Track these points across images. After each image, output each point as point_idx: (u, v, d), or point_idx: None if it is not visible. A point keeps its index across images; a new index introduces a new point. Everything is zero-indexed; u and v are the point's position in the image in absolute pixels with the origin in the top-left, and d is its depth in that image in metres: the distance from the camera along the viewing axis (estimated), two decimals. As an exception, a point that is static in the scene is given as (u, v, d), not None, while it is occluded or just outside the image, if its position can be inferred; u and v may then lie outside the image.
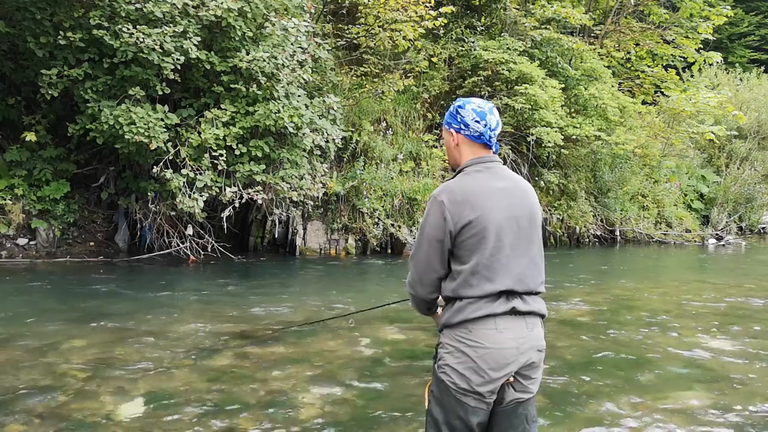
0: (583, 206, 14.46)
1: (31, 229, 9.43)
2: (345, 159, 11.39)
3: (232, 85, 8.93)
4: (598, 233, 15.12)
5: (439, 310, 2.42)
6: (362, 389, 4.23)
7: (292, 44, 9.31)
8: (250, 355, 4.89)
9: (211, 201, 9.40)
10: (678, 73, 18.66)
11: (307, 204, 10.14)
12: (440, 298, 2.38)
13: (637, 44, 17.56)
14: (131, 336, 5.36)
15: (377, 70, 12.06)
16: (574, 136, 13.15)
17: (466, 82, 13.34)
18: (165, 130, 8.59)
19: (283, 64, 8.97)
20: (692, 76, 20.43)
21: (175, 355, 4.86)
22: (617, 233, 15.59)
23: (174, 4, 8.31)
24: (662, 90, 18.08)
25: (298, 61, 9.37)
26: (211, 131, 8.74)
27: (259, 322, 6.06)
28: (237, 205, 9.28)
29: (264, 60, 8.71)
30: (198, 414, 3.71)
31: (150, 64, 8.31)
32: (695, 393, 4.36)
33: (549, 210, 13.89)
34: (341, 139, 10.22)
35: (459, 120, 2.31)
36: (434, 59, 13.18)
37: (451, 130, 2.35)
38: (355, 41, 11.81)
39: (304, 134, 9.21)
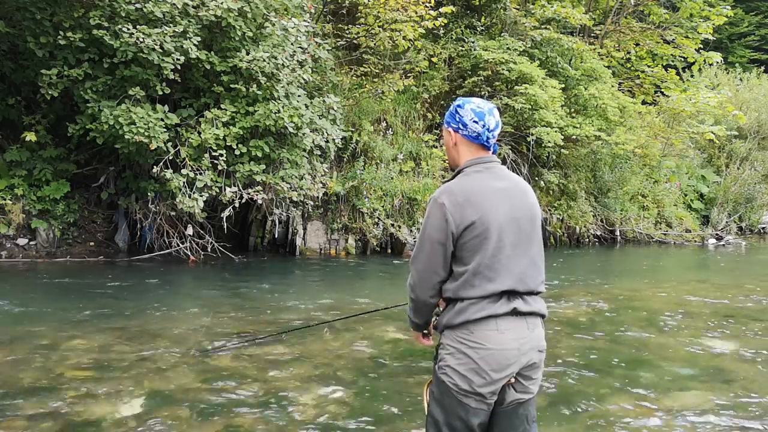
0: (583, 206, 14.46)
1: (31, 229, 9.43)
2: (345, 159, 11.39)
3: (232, 85, 8.93)
4: (598, 233, 15.12)
5: (430, 328, 2.42)
6: (362, 389, 4.23)
7: (292, 44, 9.31)
8: (250, 355, 4.89)
9: (211, 201, 9.40)
10: (678, 73, 18.65)
11: (307, 204, 10.14)
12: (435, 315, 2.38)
13: (637, 44, 17.55)
14: (131, 336, 5.36)
15: (377, 70, 12.05)
16: (574, 136, 13.15)
17: (466, 82, 13.34)
18: (165, 130, 8.59)
19: (283, 64, 8.97)
20: (692, 76, 20.42)
21: (175, 355, 4.85)
22: (617, 233, 15.59)
23: (174, 4, 8.31)
24: (662, 90, 18.07)
25: (298, 61, 9.37)
26: (211, 131, 8.74)
27: (259, 322, 6.05)
28: (237, 205, 9.28)
29: (264, 60, 8.71)
30: (198, 414, 3.71)
31: (150, 64, 8.31)
32: (695, 393, 4.36)
33: (549, 210, 13.89)
34: (341, 139, 10.22)
35: (457, 119, 2.31)
36: (434, 59, 13.17)
37: (450, 129, 2.35)
38: (355, 41, 11.80)
39: (304, 134, 9.21)
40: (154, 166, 8.76)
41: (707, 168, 20.10)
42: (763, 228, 19.88)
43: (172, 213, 9.48)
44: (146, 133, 8.33)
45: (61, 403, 3.82)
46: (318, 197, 10.30)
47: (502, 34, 13.84)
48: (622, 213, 15.71)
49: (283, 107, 8.90)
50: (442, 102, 13.46)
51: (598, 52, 15.81)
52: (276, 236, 11.05)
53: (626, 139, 13.78)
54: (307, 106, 9.39)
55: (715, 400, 4.21)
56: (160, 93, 8.64)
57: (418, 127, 12.91)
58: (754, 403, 4.17)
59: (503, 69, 12.78)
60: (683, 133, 17.47)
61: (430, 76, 13.28)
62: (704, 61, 17.46)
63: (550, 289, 8.08)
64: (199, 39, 8.59)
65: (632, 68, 18.29)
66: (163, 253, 9.72)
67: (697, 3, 16.58)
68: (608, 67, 15.73)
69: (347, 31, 11.67)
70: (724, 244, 16.20)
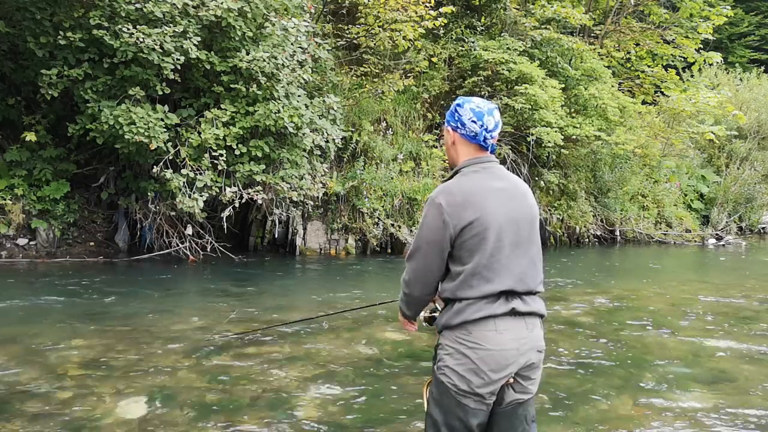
0: (583, 206, 14.46)
1: (31, 229, 9.43)
2: (345, 159, 11.39)
3: (232, 85, 8.93)
4: (598, 233, 15.12)
5: (422, 315, 2.44)
6: (362, 389, 4.23)
7: (292, 44, 9.31)
8: (250, 355, 4.89)
9: (211, 201, 9.40)
10: (678, 73, 18.65)
11: (307, 204, 10.14)
12: (434, 305, 2.39)
13: (637, 44, 17.55)
14: (131, 336, 5.36)
15: (377, 70, 12.05)
16: (574, 136, 13.14)
17: (466, 82, 13.34)
18: (165, 130, 8.59)
19: (283, 64, 8.96)
20: (692, 76, 20.42)
21: (175, 354, 4.86)
22: (617, 233, 15.59)
23: (174, 4, 8.31)
24: (662, 90, 18.07)
25: (298, 61, 9.37)
26: (211, 131, 8.74)
27: (259, 321, 6.05)
28: (237, 205, 9.28)
29: (264, 60, 8.71)
30: (198, 414, 3.71)
31: (150, 64, 8.31)
32: (695, 393, 4.36)
33: (549, 210, 13.89)
34: (341, 139, 10.22)
35: (456, 118, 2.30)
36: (434, 59, 13.17)
37: (449, 128, 2.34)
38: (355, 41, 11.80)
39: (304, 134, 9.21)
40: (154, 166, 8.76)
41: (707, 168, 20.10)
42: (763, 228, 19.88)
43: (172, 213, 9.48)
44: (146, 133, 8.33)
45: (61, 403, 3.82)
46: (318, 197, 10.30)
47: (502, 34, 13.84)
48: (622, 213, 15.71)
49: (283, 107, 8.90)
50: (442, 102, 13.46)
51: (598, 52, 15.81)
52: (276, 236, 11.05)
53: (626, 139, 13.78)
54: (307, 106, 9.39)
55: (715, 400, 4.21)
56: (160, 93, 8.64)
57: (418, 127, 12.91)
58: (754, 404, 4.17)
59: (503, 69, 12.78)
60: (683, 133, 17.47)
61: (430, 76, 13.27)
62: (704, 61, 17.46)
63: (550, 290, 8.08)
64: (199, 39, 8.59)
65: (632, 68, 18.29)
66: (162, 253, 9.72)
67: (697, 3, 16.57)
68: (608, 67, 15.73)
69: (347, 31, 11.67)
70: (724, 244, 16.20)
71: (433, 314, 2.45)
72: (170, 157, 8.78)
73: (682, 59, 18.06)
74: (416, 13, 11.22)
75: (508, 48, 13.19)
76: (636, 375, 4.73)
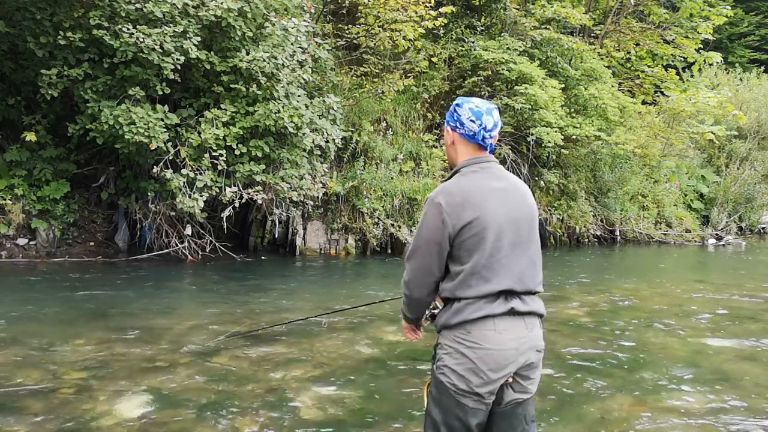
0: (583, 206, 14.46)
1: (31, 229, 9.43)
2: (345, 159, 11.39)
3: (232, 85, 8.93)
4: (598, 233, 15.12)
5: (421, 322, 2.45)
6: (362, 389, 4.23)
7: (292, 44, 9.31)
8: (250, 355, 4.89)
9: (211, 201, 9.40)
10: (678, 73, 18.65)
11: (307, 204, 10.14)
12: (434, 303, 2.39)
13: (637, 44, 17.56)
14: (131, 335, 5.36)
15: (377, 70, 12.05)
16: (574, 136, 13.15)
17: (466, 82, 13.34)
18: (165, 130, 8.59)
19: (283, 64, 8.96)
20: (692, 76, 20.42)
21: (175, 354, 4.86)
22: (617, 233, 15.59)
23: (174, 4, 8.31)
24: (662, 90, 18.08)
25: (298, 61, 9.37)
26: (211, 131, 8.74)
27: (259, 321, 6.05)
28: (237, 205, 9.28)
29: (264, 60, 8.71)
30: (198, 414, 3.71)
31: (150, 64, 8.31)
32: (696, 393, 4.36)
33: (549, 210, 13.89)
34: (341, 139, 10.22)
35: (455, 118, 2.31)
36: (434, 59, 13.17)
37: (448, 127, 2.35)
38: (355, 41, 11.80)
39: (304, 134, 9.21)
40: (154, 166, 8.76)
41: (707, 168, 20.10)
42: (763, 228, 19.88)
43: (172, 213, 9.48)
44: (146, 133, 8.33)
45: (61, 403, 3.82)
46: (318, 197, 10.30)
47: (502, 34, 13.84)
48: (622, 213, 15.71)
49: (283, 107, 8.90)
50: (442, 102, 13.46)
51: (598, 52, 15.82)
52: (276, 236, 11.05)
53: (626, 139, 13.78)
54: (307, 106, 9.39)
55: (715, 400, 4.21)
56: (160, 93, 8.64)
57: (418, 127, 12.91)
58: (754, 403, 4.17)
59: (503, 69, 12.78)
60: (683, 133, 17.48)
61: (430, 76, 13.28)
62: (704, 61, 17.47)
63: (550, 290, 8.08)
64: (199, 39, 8.59)
65: (632, 68, 18.29)
66: (161, 252, 9.71)
67: (697, 3, 16.58)
68: (608, 67, 15.74)
69: (347, 31, 11.67)
70: (724, 244, 16.20)
71: (433, 311, 2.45)
72: (170, 157, 8.78)
73: (682, 59, 18.07)
74: (416, 13, 11.22)
75: (508, 48, 13.19)
76: (636, 375, 4.73)
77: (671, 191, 17.36)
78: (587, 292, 8.33)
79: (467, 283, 2.17)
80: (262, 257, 10.56)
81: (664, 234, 16.11)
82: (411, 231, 11.34)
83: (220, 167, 8.86)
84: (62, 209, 9.53)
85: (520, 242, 2.22)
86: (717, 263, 13.02)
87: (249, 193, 9.18)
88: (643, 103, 17.31)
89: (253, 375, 4.43)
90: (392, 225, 11.26)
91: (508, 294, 2.18)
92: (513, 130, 12.99)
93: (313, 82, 10.27)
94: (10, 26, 8.61)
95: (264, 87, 8.87)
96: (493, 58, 12.77)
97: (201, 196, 8.80)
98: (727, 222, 18.08)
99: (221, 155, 8.82)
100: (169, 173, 8.65)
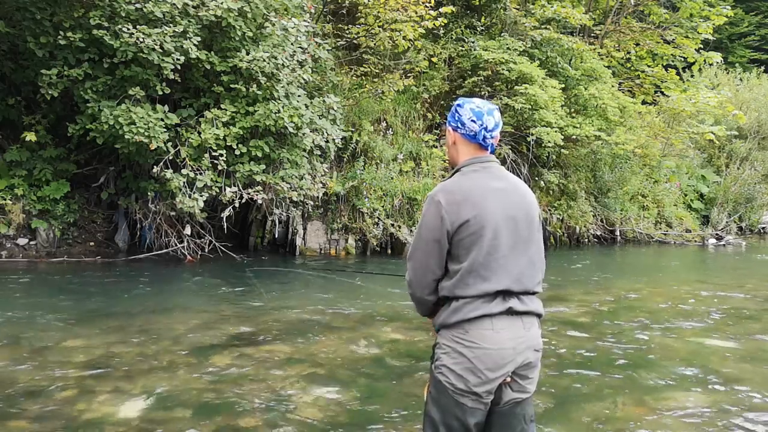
0: (583, 206, 14.46)
1: (31, 229, 9.43)
2: (345, 159, 11.39)
3: (232, 85, 8.93)
4: (598, 233, 15.12)
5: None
6: (362, 389, 4.23)
7: (292, 44, 9.31)
8: (250, 355, 4.89)
9: (211, 201, 9.40)
10: (678, 73, 18.65)
11: (307, 204, 10.14)
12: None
13: (637, 44, 17.55)
14: (131, 335, 5.36)
15: (377, 70, 12.06)
16: (574, 136, 13.15)
17: (466, 82, 13.34)
18: (165, 130, 8.59)
19: (283, 64, 8.97)
20: (692, 76, 20.42)
21: (174, 354, 4.86)
22: (617, 233, 15.59)
23: (174, 4, 8.31)
24: (662, 90, 18.07)
25: (298, 61, 9.37)
26: (211, 131, 8.74)
27: (259, 321, 6.05)
28: (237, 205, 9.28)
29: (264, 60, 8.71)
30: (198, 414, 3.71)
31: (150, 64, 8.31)
32: (695, 393, 4.36)
33: (549, 210, 13.89)
34: (341, 139, 10.22)
35: (456, 118, 2.32)
36: (434, 59, 13.17)
37: (450, 128, 2.36)
38: (355, 41, 11.80)
39: (304, 134, 9.21)
40: (154, 166, 8.77)
41: (707, 168, 20.10)
42: (763, 228, 19.88)
43: (172, 213, 9.48)
44: (146, 133, 8.34)
45: (61, 403, 3.82)
46: (318, 197, 10.30)
47: (502, 34, 13.84)
48: (622, 213, 15.71)
49: (283, 107, 8.90)
50: (442, 102, 13.46)
51: (598, 52, 15.81)
52: (276, 236, 11.05)
53: (626, 139, 13.78)
54: (307, 106, 9.39)
55: (715, 400, 4.21)
56: (160, 93, 8.64)
57: (418, 127, 12.91)
58: (755, 403, 4.17)
59: (503, 69, 12.78)
60: (683, 133, 17.47)
61: (430, 76, 13.28)
62: (704, 61, 17.46)
63: (550, 290, 8.08)
64: (199, 39, 8.59)
65: (632, 68, 18.29)
66: (162, 252, 9.71)
67: (697, 3, 16.58)
68: (608, 67, 15.73)
69: (347, 31, 11.67)
70: (724, 244, 16.20)
71: None
72: (170, 157, 8.78)
73: (682, 59, 18.07)
74: (416, 13, 11.23)
75: (508, 48, 13.19)
76: (636, 375, 4.73)
77: (671, 191, 17.35)
78: (587, 292, 8.33)
79: (465, 282, 2.17)
80: (262, 257, 10.56)
81: (664, 234, 16.11)
82: (411, 231, 11.34)
83: (220, 167, 8.86)
84: (62, 209, 9.54)
85: (519, 242, 2.22)
86: (717, 263, 13.02)
87: (249, 193, 9.18)
88: (643, 103, 17.31)
89: (253, 375, 4.43)
90: (392, 225, 11.26)
91: (506, 294, 2.18)
92: (513, 130, 12.99)
93: (313, 82, 10.27)
94: (10, 26, 8.62)
95: (264, 87, 8.87)
96: (493, 58, 12.77)
97: (201, 196, 8.81)
98: (727, 222, 18.08)
99: (221, 155, 8.82)
100: (169, 173, 8.65)
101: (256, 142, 9.07)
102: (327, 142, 9.76)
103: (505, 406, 2.23)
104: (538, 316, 2.27)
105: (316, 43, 10.09)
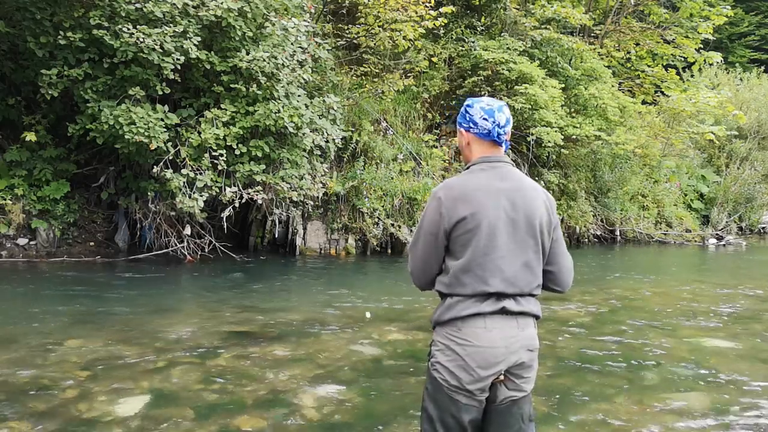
0: (583, 206, 14.46)
1: (31, 229, 9.43)
2: (345, 159, 11.39)
3: (232, 85, 8.93)
4: (598, 233, 15.13)
5: None
6: (362, 389, 4.23)
7: (292, 44, 9.31)
8: (250, 355, 4.89)
9: (211, 201, 9.39)
10: (678, 73, 18.66)
11: (307, 204, 10.14)
12: None
13: (637, 44, 17.56)
14: (131, 335, 5.36)
15: (377, 70, 12.05)
16: (574, 136, 13.15)
17: (466, 82, 13.34)
18: (165, 130, 8.59)
19: (283, 64, 8.96)
20: (692, 76, 20.42)
21: (175, 354, 4.85)
22: (617, 233, 15.60)
23: (174, 4, 8.31)
24: (662, 90, 18.08)
25: (298, 61, 9.37)
26: (211, 131, 8.74)
27: (259, 321, 6.05)
28: (237, 205, 9.28)
29: (264, 60, 8.71)
30: (198, 414, 3.71)
31: (150, 64, 8.31)
32: (696, 393, 4.36)
33: (549, 210, 13.87)
34: (341, 139, 10.22)
35: (468, 119, 2.31)
36: (434, 59, 13.17)
37: (462, 129, 2.36)
38: (355, 41, 11.80)
39: (304, 134, 9.21)
40: (154, 166, 8.76)
41: (707, 168, 20.11)
42: (763, 228, 19.89)
43: (172, 213, 9.48)
44: (146, 133, 8.33)
45: (62, 403, 3.82)
46: (318, 197, 10.29)
47: (502, 34, 13.84)
48: (622, 213, 15.71)
49: (283, 107, 8.90)
50: (442, 102, 13.46)
51: (598, 52, 15.82)
52: (276, 236, 11.05)
53: (626, 139, 13.79)
54: (307, 106, 9.39)
55: (716, 400, 4.21)
56: (160, 93, 8.64)
57: (418, 127, 12.91)
58: (755, 404, 4.17)
59: (503, 69, 12.78)
60: (683, 133, 17.48)
61: (430, 76, 13.28)
62: (704, 61, 17.47)
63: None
64: (199, 39, 8.59)
65: (632, 68, 18.30)
66: (161, 252, 9.71)
67: (697, 3, 16.58)
68: (608, 67, 15.74)
69: (347, 31, 11.67)
70: (724, 244, 16.21)
71: None
72: (170, 157, 8.78)
73: (682, 59, 18.07)
74: (416, 13, 11.23)
75: (508, 48, 13.19)
76: (636, 375, 4.73)
77: (671, 191, 17.36)
78: (587, 292, 8.33)
79: (459, 279, 2.19)
80: (262, 257, 10.56)
81: (665, 234, 16.11)
82: (411, 231, 11.34)
83: (220, 167, 8.86)
84: (62, 209, 9.53)
85: (517, 244, 2.21)
86: (717, 263, 13.02)
87: (249, 193, 9.18)
88: (643, 103, 17.31)
89: (253, 375, 4.43)
90: (392, 225, 11.26)
91: (500, 294, 2.18)
92: (513, 130, 12.95)
93: (313, 82, 10.27)
94: (10, 26, 8.62)
95: (264, 87, 8.87)
96: (493, 58, 12.77)
97: (201, 196, 8.80)
98: (727, 222, 18.08)
99: (221, 155, 8.82)
100: (169, 173, 8.65)
101: (256, 142, 9.07)
102: (327, 142, 9.76)
103: (502, 404, 2.24)
104: (535, 316, 2.27)
105: (316, 43, 10.09)
